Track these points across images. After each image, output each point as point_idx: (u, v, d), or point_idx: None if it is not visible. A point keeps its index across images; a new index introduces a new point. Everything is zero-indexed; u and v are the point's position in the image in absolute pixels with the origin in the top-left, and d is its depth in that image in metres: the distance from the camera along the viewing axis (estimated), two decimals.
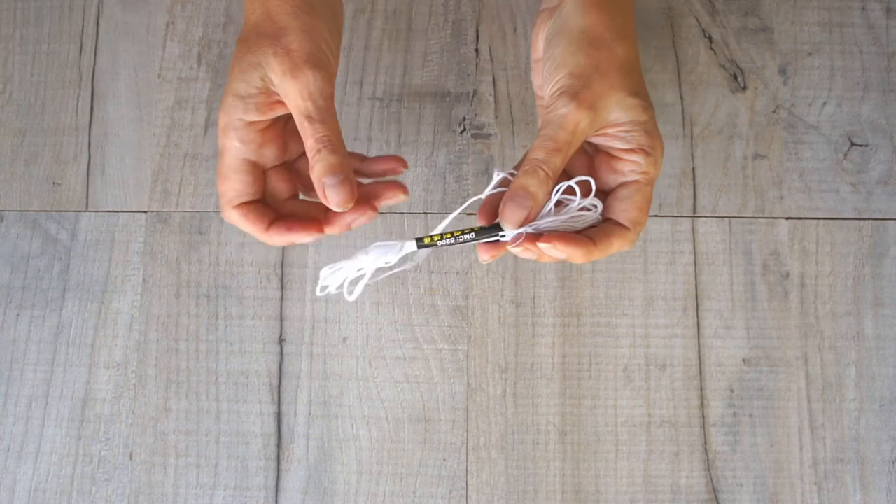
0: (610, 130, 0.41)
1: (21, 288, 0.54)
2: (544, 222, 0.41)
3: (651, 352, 0.52)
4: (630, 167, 0.41)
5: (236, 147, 0.41)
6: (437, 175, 0.54)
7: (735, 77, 0.54)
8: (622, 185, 0.42)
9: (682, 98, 0.54)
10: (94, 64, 0.56)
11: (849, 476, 0.50)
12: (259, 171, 0.42)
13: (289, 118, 0.43)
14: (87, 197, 0.55)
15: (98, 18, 0.57)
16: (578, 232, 0.41)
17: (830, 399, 0.51)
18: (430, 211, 0.53)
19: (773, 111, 0.54)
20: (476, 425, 0.51)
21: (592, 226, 0.42)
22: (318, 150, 0.40)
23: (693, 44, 0.55)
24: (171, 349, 0.53)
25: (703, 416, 0.51)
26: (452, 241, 0.41)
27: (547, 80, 0.41)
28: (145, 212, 0.54)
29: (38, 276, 0.54)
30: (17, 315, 0.53)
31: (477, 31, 0.55)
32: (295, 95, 0.40)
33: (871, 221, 0.53)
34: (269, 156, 0.42)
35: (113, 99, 0.56)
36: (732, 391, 0.51)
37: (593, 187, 0.41)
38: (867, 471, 0.50)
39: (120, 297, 0.53)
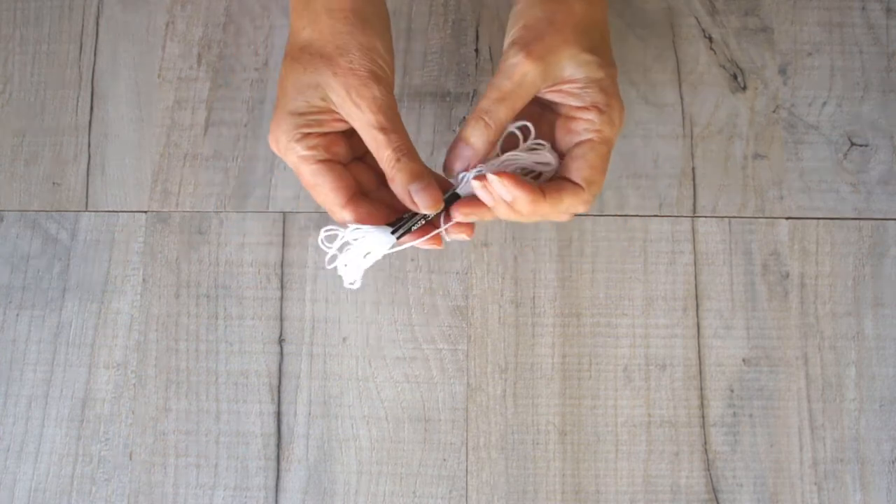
0: (564, 87, 0.41)
1: (21, 288, 0.54)
2: (495, 163, 0.41)
3: (651, 352, 0.52)
4: (584, 125, 0.41)
5: (308, 154, 0.41)
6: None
7: (735, 77, 0.54)
8: (577, 144, 0.42)
9: (682, 98, 0.54)
10: (94, 64, 0.56)
11: (849, 476, 0.50)
12: (341, 167, 0.42)
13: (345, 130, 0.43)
14: (86, 197, 0.55)
15: (98, 18, 0.57)
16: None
17: (830, 399, 0.51)
18: None
19: (773, 111, 0.54)
20: (476, 425, 0.51)
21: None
22: (398, 160, 0.40)
23: (693, 44, 0.55)
24: (170, 349, 0.53)
25: (703, 416, 0.51)
26: (423, 221, 0.42)
27: (506, 35, 0.42)
28: (145, 212, 0.54)
29: (37, 276, 0.54)
30: (17, 315, 0.53)
31: (477, 31, 0.55)
32: (364, 110, 0.40)
33: (871, 221, 0.53)
34: (342, 152, 0.42)
35: (113, 99, 0.56)
36: (732, 391, 0.51)
37: (532, 131, 0.42)
38: (867, 471, 0.50)
39: (120, 297, 0.53)
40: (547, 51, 0.40)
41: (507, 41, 0.41)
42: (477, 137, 0.40)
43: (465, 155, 0.41)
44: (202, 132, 0.55)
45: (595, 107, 0.41)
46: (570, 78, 0.41)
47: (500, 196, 0.40)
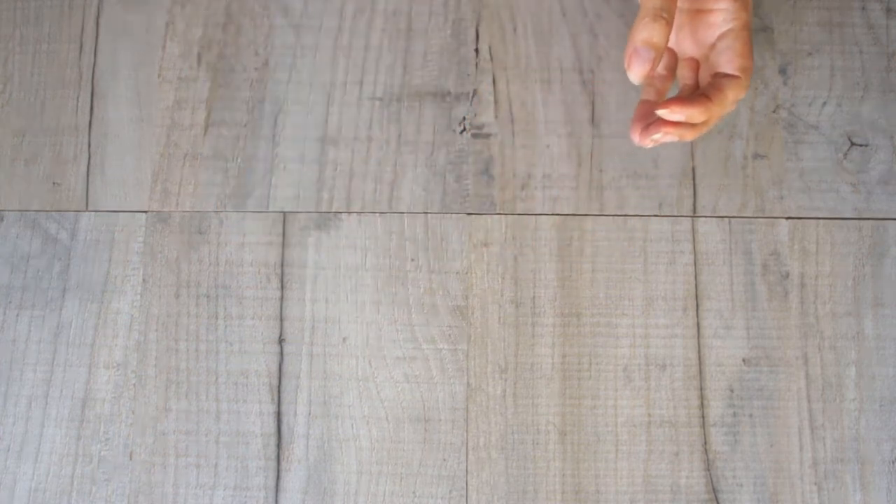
0: None
1: (21, 288, 0.54)
2: None
3: (651, 352, 0.52)
4: (722, 17, 0.43)
5: None
6: (437, 175, 0.54)
7: None
8: (720, 37, 0.43)
9: None
10: (94, 64, 0.56)
11: (849, 476, 0.50)
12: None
13: None
14: (86, 197, 0.55)
15: (98, 18, 0.57)
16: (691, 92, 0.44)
17: (830, 399, 0.51)
18: (430, 211, 0.53)
19: (773, 111, 0.54)
20: (476, 425, 0.51)
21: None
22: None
23: None
24: (170, 349, 0.53)
25: (703, 416, 0.51)
26: None
27: None
28: (145, 212, 0.54)
29: (37, 276, 0.54)
30: (17, 315, 0.53)
31: (477, 31, 0.55)
32: None
33: (871, 221, 0.53)
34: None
35: (113, 99, 0.56)
36: (732, 391, 0.51)
37: None
38: (867, 471, 0.50)
39: (120, 297, 0.53)
40: None
41: None
42: (660, 37, 0.41)
43: (649, 56, 0.41)
44: (202, 132, 0.55)
45: None
46: None
47: (676, 122, 0.42)
